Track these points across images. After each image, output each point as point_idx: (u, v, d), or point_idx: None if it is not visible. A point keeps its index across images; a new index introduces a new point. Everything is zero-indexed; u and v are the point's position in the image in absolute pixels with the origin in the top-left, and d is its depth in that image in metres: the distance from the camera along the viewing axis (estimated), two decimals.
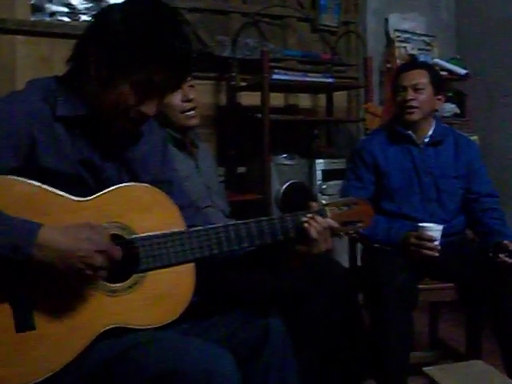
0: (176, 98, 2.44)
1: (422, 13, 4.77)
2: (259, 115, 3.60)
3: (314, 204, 1.86)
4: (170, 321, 1.65)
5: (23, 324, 1.48)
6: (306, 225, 1.78)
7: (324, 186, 3.79)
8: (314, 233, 1.77)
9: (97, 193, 1.60)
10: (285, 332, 1.80)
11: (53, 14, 3.53)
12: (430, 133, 2.93)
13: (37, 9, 3.49)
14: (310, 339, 2.26)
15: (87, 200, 1.59)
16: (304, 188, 3.75)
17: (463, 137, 3.06)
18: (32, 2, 3.49)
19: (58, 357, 1.51)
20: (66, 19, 3.61)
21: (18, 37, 3.47)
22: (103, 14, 1.62)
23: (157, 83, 1.58)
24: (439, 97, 2.93)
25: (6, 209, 1.46)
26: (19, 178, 1.52)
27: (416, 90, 2.85)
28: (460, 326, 3.18)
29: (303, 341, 2.18)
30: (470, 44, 4.81)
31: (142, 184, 1.69)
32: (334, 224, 1.83)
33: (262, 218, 1.79)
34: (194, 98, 2.49)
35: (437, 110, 2.99)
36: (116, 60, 1.55)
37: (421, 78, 2.88)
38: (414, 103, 2.84)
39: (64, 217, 1.54)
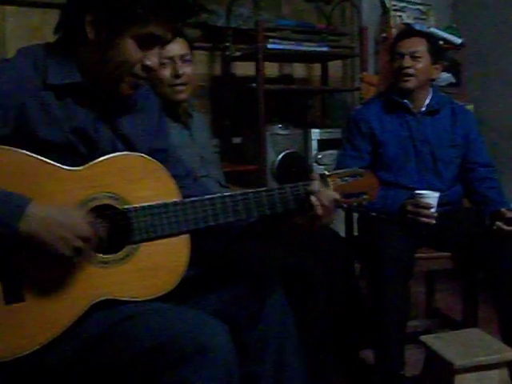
0: (166, 71, 2.40)
1: None
2: (254, 85, 3.57)
3: (315, 175, 1.78)
4: (163, 293, 1.61)
5: (11, 296, 1.46)
6: (312, 198, 1.72)
7: (319, 156, 3.77)
8: (318, 208, 1.72)
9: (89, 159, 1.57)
10: (284, 302, 1.78)
11: None
12: (427, 102, 2.90)
13: None
14: (310, 311, 2.26)
15: (79, 170, 1.55)
16: (300, 158, 3.73)
17: (460, 106, 3.04)
18: None
19: (46, 330, 1.49)
20: None
21: (8, 7, 3.43)
22: None
23: (156, 32, 1.55)
24: (437, 66, 2.90)
25: None
26: (7, 147, 1.49)
27: (413, 57, 2.82)
28: (456, 295, 3.19)
29: (303, 312, 2.18)
30: (466, 13, 4.78)
31: (136, 153, 1.64)
32: (336, 195, 1.76)
33: (261, 189, 1.73)
34: (186, 72, 2.43)
35: (434, 80, 2.96)
36: (115, 18, 1.52)
37: (419, 45, 2.85)
38: (410, 71, 2.82)
39: (53, 186, 1.51)
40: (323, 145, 3.81)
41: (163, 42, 1.61)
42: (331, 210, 1.75)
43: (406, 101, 2.88)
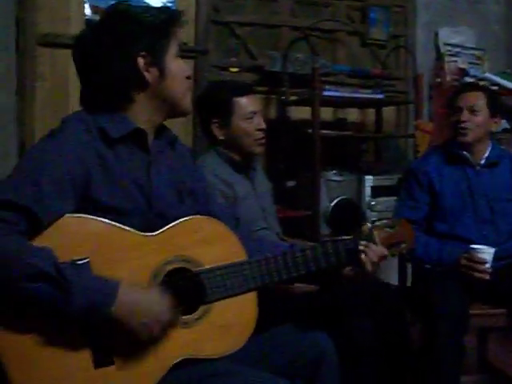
0: (252, 125, 2.52)
1: (472, 26, 4.71)
2: (309, 130, 3.61)
3: (364, 228, 1.90)
4: (237, 349, 1.70)
5: (102, 360, 1.52)
6: (362, 255, 1.85)
7: (373, 203, 3.77)
8: (368, 264, 1.86)
9: (152, 219, 1.67)
10: (335, 352, 1.87)
11: None
12: (486, 154, 2.91)
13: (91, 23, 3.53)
14: (359, 362, 2.27)
15: (152, 235, 1.64)
16: (353, 205, 3.74)
17: None
18: (86, 18, 3.53)
19: None
20: None
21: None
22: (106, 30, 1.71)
23: (182, 40, 1.77)
24: (495, 119, 2.90)
25: (79, 247, 1.51)
26: (87, 216, 1.56)
27: (472, 111, 2.83)
28: (509, 348, 3.14)
29: (353, 363, 2.19)
30: None
31: (203, 216, 1.76)
32: (385, 251, 1.89)
33: (317, 244, 1.88)
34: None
35: (493, 133, 2.96)
36: (161, 46, 1.69)
37: (478, 100, 2.85)
38: (467, 125, 2.82)
39: (129, 252, 1.59)
40: (377, 191, 3.80)
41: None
42: (378, 263, 1.89)
43: (465, 153, 2.88)
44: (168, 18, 1.72)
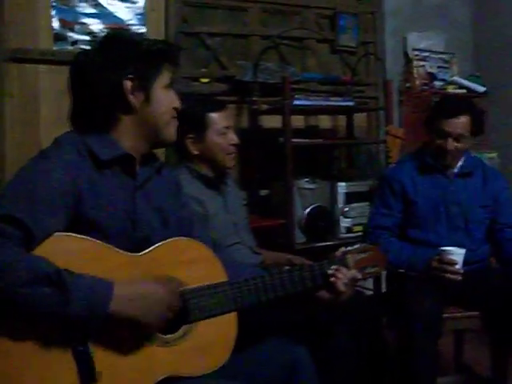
0: (225, 140, 2.56)
1: (440, 31, 4.78)
2: (281, 139, 3.62)
3: (336, 253, 1.97)
4: (218, 367, 1.73)
5: (86, 378, 1.53)
6: (333, 279, 1.89)
7: (346, 209, 3.79)
8: (340, 286, 1.89)
9: (137, 242, 1.70)
10: (312, 364, 1.91)
11: (75, 42, 3.55)
12: (460, 164, 2.94)
13: (59, 38, 3.52)
14: (335, 370, 2.29)
15: (139, 255, 1.67)
16: (326, 212, 3.75)
17: (491, 169, 3.09)
18: (55, 32, 3.52)
19: None
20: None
21: (41, 66, 3.51)
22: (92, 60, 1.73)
23: (172, 76, 1.80)
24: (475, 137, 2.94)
25: (67, 264, 1.51)
26: (76, 235, 1.58)
27: (458, 139, 2.82)
28: (485, 349, 3.17)
29: (329, 372, 2.21)
30: (489, 61, 4.81)
31: (186, 238, 1.80)
32: (358, 275, 1.95)
33: (295, 268, 1.92)
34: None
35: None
36: (148, 77, 1.74)
37: (465, 127, 2.81)
38: (452, 152, 2.84)
39: (117, 272, 1.60)
40: (350, 197, 3.82)
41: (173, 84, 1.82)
42: (351, 286, 1.93)
43: (439, 163, 2.91)
44: (163, 49, 1.77)
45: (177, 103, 1.81)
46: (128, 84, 1.70)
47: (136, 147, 1.76)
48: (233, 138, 2.60)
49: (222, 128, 2.56)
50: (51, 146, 1.68)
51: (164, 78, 1.76)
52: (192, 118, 2.52)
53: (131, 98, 1.71)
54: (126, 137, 1.74)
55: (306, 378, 1.88)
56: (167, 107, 1.78)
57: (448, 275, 2.62)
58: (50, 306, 1.45)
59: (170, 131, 1.81)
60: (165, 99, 1.77)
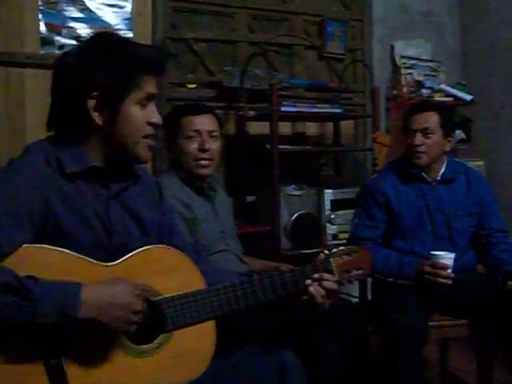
0: (192, 144, 2.47)
1: (428, 39, 4.81)
2: (268, 145, 3.61)
3: (319, 257, 1.93)
4: (197, 376, 1.71)
5: None
6: (311, 289, 1.86)
7: (333, 216, 3.79)
8: (318, 299, 1.86)
9: (113, 252, 1.67)
10: (300, 366, 1.90)
11: (61, 46, 3.52)
12: (442, 171, 2.94)
13: (46, 42, 3.50)
14: (320, 378, 2.28)
15: (113, 265, 1.64)
16: (313, 219, 3.75)
17: (475, 173, 3.07)
18: (41, 36, 3.50)
19: None
20: None
21: (27, 70, 3.48)
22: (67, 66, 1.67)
23: (151, 90, 1.70)
24: (449, 138, 2.93)
25: (39, 276, 1.49)
26: (44, 246, 1.55)
27: (425, 134, 2.85)
28: (470, 357, 3.17)
29: (316, 378, 2.20)
30: (476, 69, 4.85)
31: (161, 246, 1.76)
32: (338, 284, 1.91)
33: (274, 273, 1.87)
34: (212, 148, 2.51)
35: (447, 152, 2.97)
36: (116, 93, 1.64)
37: (430, 121, 2.87)
38: (421, 148, 2.85)
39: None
40: (336, 204, 3.82)
41: (154, 97, 1.73)
42: (333, 295, 1.90)
43: (421, 173, 2.91)
44: (146, 57, 1.68)
45: (154, 119, 1.71)
46: (92, 102, 1.63)
47: (108, 160, 1.71)
48: (202, 143, 2.51)
49: (189, 131, 2.51)
50: (19, 156, 1.64)
51: (139, 93, 1.66)
52: (168, 121, 2.50)
53: (95, 116, 1.64)
54: (97, 150, 1.69)
55: (295, 380, 1.86)
56: (137, 126, 1.67)
57: (440, 280, 2.62)
58: (16, 314, 1.42)
59: (139, 151, 1.70)
60: (135, 117, 1.66)
